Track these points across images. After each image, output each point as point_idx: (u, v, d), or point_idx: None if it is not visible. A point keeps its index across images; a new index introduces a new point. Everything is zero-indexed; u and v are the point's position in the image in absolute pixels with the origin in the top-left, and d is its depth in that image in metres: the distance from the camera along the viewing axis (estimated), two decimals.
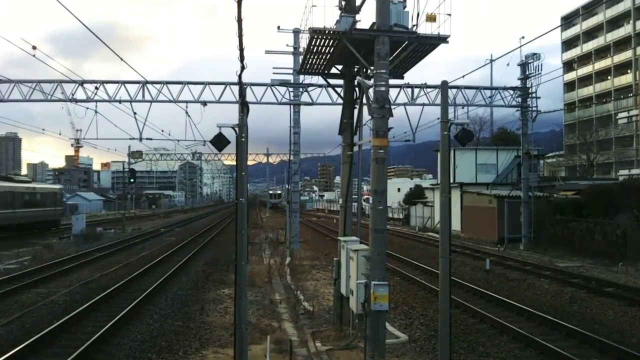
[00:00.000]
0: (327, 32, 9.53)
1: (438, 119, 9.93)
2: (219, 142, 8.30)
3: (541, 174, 41.32)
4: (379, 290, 8.35)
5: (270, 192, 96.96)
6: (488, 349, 10.40)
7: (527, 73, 27.01)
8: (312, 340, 10.44)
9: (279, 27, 22.49)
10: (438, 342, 8.59)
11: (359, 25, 9.68)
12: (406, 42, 9.55)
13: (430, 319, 12.46)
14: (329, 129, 17.47)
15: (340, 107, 12.06)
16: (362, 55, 9.46)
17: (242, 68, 7.86)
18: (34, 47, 18.53)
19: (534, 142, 31.81)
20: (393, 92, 23.76)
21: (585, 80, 71.42)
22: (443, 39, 9.48)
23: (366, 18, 11.08)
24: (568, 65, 72.00)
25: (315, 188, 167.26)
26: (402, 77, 12.07)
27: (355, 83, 11.52)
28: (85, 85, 24.12)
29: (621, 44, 64.52)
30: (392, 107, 10.06)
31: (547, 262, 22.44)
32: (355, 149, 11.74)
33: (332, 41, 9.93)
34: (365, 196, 47.78)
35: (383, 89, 8.73)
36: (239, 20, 7.32)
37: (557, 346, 10.10)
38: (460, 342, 10.68)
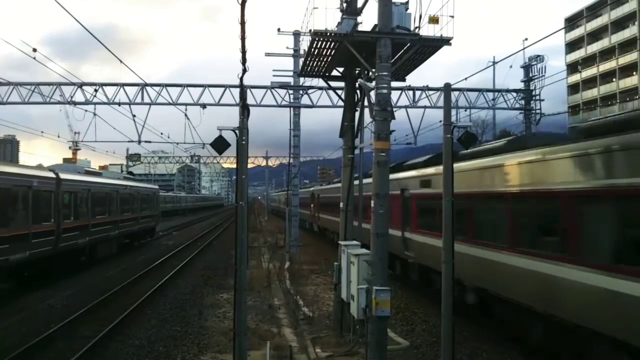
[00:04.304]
0: (328, 34, 9.42)
1: (440, 121, 9.82)
2: (220, 144, 8.19)
3: None
4: (381, 295, 8.20)
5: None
6: (491, 356, 10.25)
7: (531, 75, 26.89)
8: (312, 346, 10.29)
9: (279, 30, 22.36)
10: (440, 348, 8.46)
11: (360, 28, 9.60)
12: (408, 45, 9.44)
13: (432, 325, 12.30)
14: (329, 131, 17.34)
15: (341, 109, 11.94)
16: (364, 57, 9.35)
17: (244, 71, 7.77)
18: (35, 50, 18.43)
19: None
20: (394, 95, 23.64)
21: (589, 83, 71.04)
22: (445, 41, 9.36)
23: (368, 20, 10.96)
24: (572, 67, 71.56)
25: None
26: (403, 80, 11.95)
27: (357, 85, 11.43)
28: (84, 87, 24.02)
29: (626, 46, 64.25)
30: (394, 109, 9.93)
31: None
32: (357, 152, 11.63)
33: (333, 43, 9.81)
34: None
35: (385, 91, 8.60)
36: (242, 23, 7.23)
37: None
38: (463, 348, 10.51)
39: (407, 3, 9.12)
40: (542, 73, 26.38)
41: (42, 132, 30.81)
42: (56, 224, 18.11)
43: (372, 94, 8.96)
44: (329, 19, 9.48)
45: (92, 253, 22.24)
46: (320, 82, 17.10)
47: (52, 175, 18.52)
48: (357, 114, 11.55)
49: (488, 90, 26.90)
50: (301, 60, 13.13)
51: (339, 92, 13.74)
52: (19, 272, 16.12)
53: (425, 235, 13.84)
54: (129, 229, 27.94)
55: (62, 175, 19.16)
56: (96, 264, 21.97)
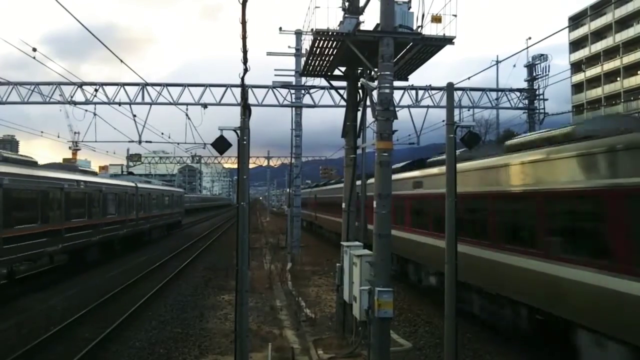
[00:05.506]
0: (330, 33, 9.32)
1: (443, 121, 9.71)
2: (221, 145, 8.10)
3: None
4: (384, 296, 8.11)
5: None
6: (494, 358, 10.17)
7: (534, 74, 26.77)
8: (314, 348, 10.20)
9: (280, 29, 22.26)
10: (444, 350, 8.38)
11: (362, 27, 9.48)
12: (411, 44, 9.35)
13: (435, 326, 12.21)
14: (331, 131, 17.25)
15: (343, 109, 11.86)
16: (366, 56, 9.26)
17: (245, 70, 7.69)
18: (34, 49, 18.33)
19: None
20: (397, 94, 23.60)
21: (593, 82, 70.51)
22: (448, 40, 9.27)
23: (370, 19, 10.88)
24: (576, 66, 71.05)
25: None
26: (406, 79, 11.86)
27: (359, 85, 11.34)
28: (84, 87, 23.97)
29: (630, 45, 63.73)
30: (396, 109, 9.84)
31: None
32: (359, 151, 11.54)
33: (335, 43, 9.72)
34: None
35: (387, 91, 8.50)
36: (243, 22, 7.15)
37: None
38: (466, 350, 10.43)
39: (409, 2, 9.02)
40: (545, 72, 26.30)
41: (41, 132, 30.68)
42: (136, 215, 29.24)
43: (375, 93, 8.88)
44: (331, 18, 9.40)
45: (149, 235, 33.73)
46: (322, 81, 17.06)
47: (134, 184, 29.95)
48: (359, 114, 11.46)
49: (491, 90, 26.81)
50: (303, 60, 13.04)
51: (341, 91, 13.64)
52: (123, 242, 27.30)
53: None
54: (167, 220, 39.97)
55: (139, 185, 30.94)
56: (98, 264, 21.96)
